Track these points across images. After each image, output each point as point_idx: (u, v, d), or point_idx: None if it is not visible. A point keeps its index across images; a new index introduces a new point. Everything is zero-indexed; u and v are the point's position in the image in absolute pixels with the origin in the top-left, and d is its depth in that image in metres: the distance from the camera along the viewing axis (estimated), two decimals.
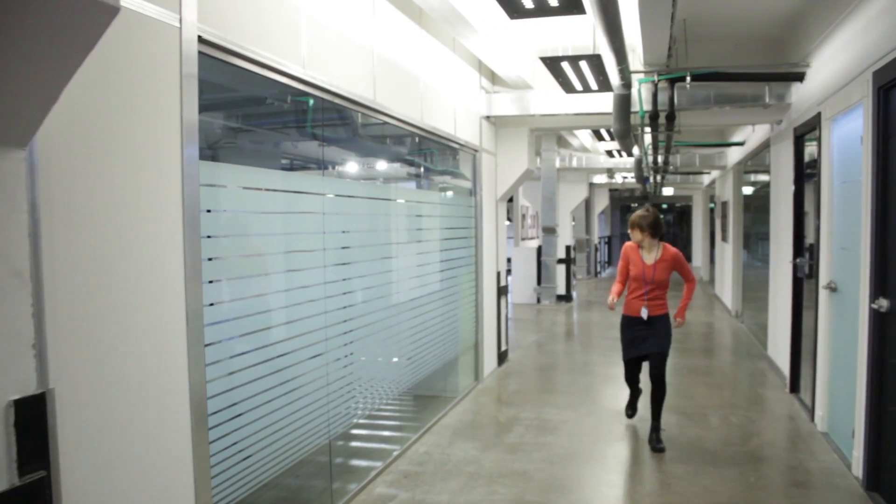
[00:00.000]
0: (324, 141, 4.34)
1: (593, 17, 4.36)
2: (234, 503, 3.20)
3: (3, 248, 1.99)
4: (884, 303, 4.16)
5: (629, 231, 5.59)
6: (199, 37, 2.82)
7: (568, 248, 15.31)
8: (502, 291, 8.31)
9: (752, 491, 4.56)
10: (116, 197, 2.44)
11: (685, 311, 5.71)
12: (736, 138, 11.68)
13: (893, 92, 4.14)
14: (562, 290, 14.95)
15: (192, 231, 2.79)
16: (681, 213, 32.80)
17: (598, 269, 23.59)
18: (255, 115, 4.19)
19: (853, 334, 4.71)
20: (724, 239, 14.12)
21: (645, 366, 5.78)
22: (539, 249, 14.49)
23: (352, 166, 5.27)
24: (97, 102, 2.33)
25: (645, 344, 5.56)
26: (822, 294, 5.65)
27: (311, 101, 4.05)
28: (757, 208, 10.25)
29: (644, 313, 5.51)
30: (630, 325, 5.65)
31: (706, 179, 18.97)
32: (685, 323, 5.93)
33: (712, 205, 18.10)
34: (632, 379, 5.96)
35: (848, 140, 5.04)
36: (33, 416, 2.08)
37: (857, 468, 4.64)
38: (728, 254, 13.43)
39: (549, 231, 14.24)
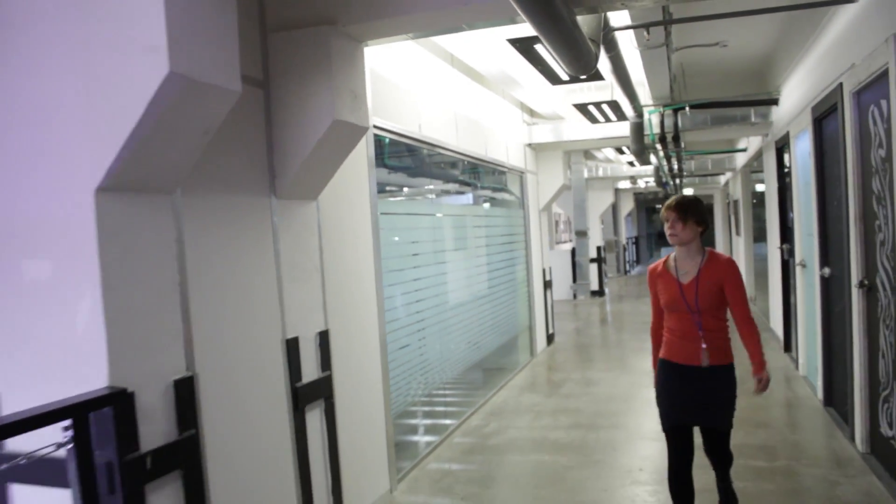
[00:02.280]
0: (431, 176, 6.24)
1: (612, 80, 6.20)
2: (398, 408, 5.08)
3: (311, 255, 3.87)
4: (826, 270, 5.92)
5: (665, 225, 3.69)
6: (374, 124, 4.71)
7: (599, 249, 17.08)
8: (548, 285, 10.13)
9: (744, 411, 6.31)
10: (346, 221, 4.32)
11: (762, 364, 3.69)
12: (740, 145, 13.41)
13: (824, 122, 5.91)
14: (595, 287, 16.73)
15: (376, 241, 4.67)
16: None
17: (627, 267, 25.27)
18: (397, 163, 6.03)
19: (815, 298, 6.47)
20: (738, 233, 15.80)
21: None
22: (573, 251, 16.27)
23: (445, 192, 7.12)
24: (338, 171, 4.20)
25: (697, 412, 3.64)
26: (797, 270, 7.41)
27: (424, 151, 5.93)
28: (762, 205, 11.95)
29: (705, 360, 3.58)
30: (675, 377, 3.69)
31: (722, 180, 20.62)
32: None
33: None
34: (679, 466, 3.69)
35: (805, 153, 6.81)
36: (324, 343, 3.95)
37: (819, 393, 6.39)
38: (741, 246, 15.12)
39: (582, 234, 16.03)
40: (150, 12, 2.35)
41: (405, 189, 6.26)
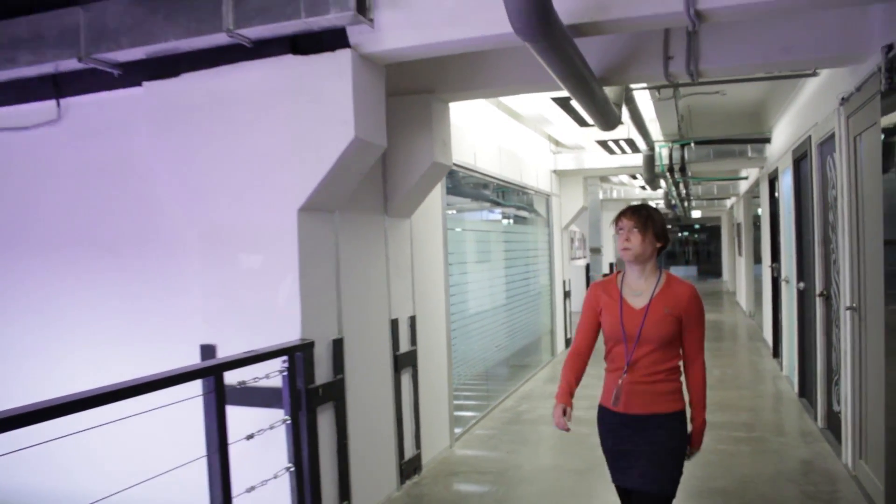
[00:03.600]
0: (477, 198, 7.63)
1: (629, 123, 7.57)
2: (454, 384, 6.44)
3: (405, 258, 5.24)
4: (801, 284, 7.25)
5: (618, 237, 3.13)
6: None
7: (611, 265, 18.43)
8: (567, 294, 11.48)
9: (732, 399, 7.64)
10: (425, 234, 5.69)
11: (703, 425, 3.13)
12: (742, 174, 14.75)
13: (801, 163, 7.24)
14: None
15: (446, 250, 6.05)
16: (710, 231, 35.56)
17: None
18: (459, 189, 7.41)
19: (794, 308, 7.78)
20: (740, 253, 17.12)
21: None
22: (587, 267, 17.59)
23: (490, 211, 8.49)
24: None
25: (633, 469, 3.06)
26: (783, 285, 8.73)
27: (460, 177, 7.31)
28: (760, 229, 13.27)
29: (618, 402, 3.05)
30: (610, 427, 3.17)
31: (728, 203, 21.95)
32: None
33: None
34: None
35: (788, 186, 8.14)
36: (413, 325, 5.32)
37: (796, 387, 7.70)
38: (742, 266, 16.43)
39: (596, 251, 17.37)
40: (342, 97, 3.74)
41: (456, 209, 7.65)
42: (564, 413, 3.18)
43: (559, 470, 5.58)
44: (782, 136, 8.41)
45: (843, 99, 4.89)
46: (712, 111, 9.86)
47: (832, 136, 5.43)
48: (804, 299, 7.25)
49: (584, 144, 10.50)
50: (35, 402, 2.49)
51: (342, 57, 3.76)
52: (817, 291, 6.16)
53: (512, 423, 6.96)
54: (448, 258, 6.13)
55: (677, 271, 37.50)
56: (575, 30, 3.53)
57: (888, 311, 4.05)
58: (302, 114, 3.84)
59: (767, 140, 9.61)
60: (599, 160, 10.67)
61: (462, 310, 6.82)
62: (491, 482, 5.34)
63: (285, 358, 3.70)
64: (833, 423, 5.96)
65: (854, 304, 4.88)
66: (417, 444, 5.39)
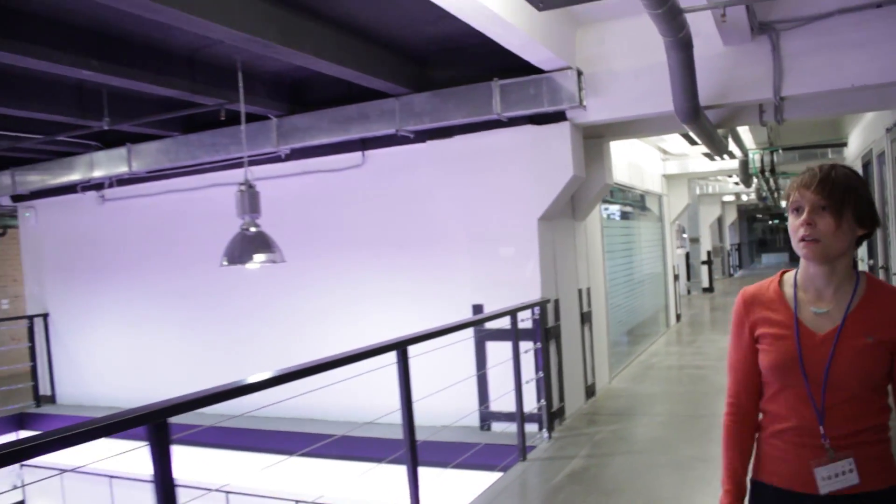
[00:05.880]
0: (617, 203, 10.10)
1: (732, 145, 9.88)
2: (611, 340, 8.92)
3: (581, 247, 7.73)
4: (870, 262, 9.41)
5: (793, 220, 1.94)
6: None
7: (708, 253, 20.51)
8: (676, 277, 13.78)
9: None
10: (591, 229, 8.16)
11: None
12: None
13: (867, 167, 9.38)
14: (706, 284, 20.16)
15: (602, 239, 8.51)
16: None
17: (731, 270, 28.42)
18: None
19: None
20: None
21: None
22: (687, 255, 19.73)
23: (622, 211, 10.91)
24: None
25: None
26: (858, 264, 10.85)
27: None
28: None
29: (828, 479, 1.90)
30: None
31: None
32: None
33: None
34: None
35: None
36: (588, 291, 7.79)
37: None
38: None
39: (694, 241, 19.49)
40: (563, 150, 6.27)
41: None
42: None
43: (695, 393, 7.99)
44: (854, 143, 10.56)
45: (887, 129, 7.14)
46: (797, 122, 12.02)
47: (884, 152, 7.66)
48: (871, 273, 9.41)
49: (688, 152, 12.76)
50: (393, 338, 4.83)
51: (563, 126, 6.29)
52: (880, 265, 8.37)
53: (648, 370, 9.38)
54: (605, 248, 8.59)
55: (769, 259, 38.49)
56: (706, 107, 5.96)
57: None
58: (537, 160, 6.37)
59: (844, 144, 11.72)
60: (701, 165, 12.92)
61: (611, 286, 9.25)
62: (646, 400, 7.80)
63: (537, 308, 6.23)
64: None
65: None
66: (593, 375, 7.86)
